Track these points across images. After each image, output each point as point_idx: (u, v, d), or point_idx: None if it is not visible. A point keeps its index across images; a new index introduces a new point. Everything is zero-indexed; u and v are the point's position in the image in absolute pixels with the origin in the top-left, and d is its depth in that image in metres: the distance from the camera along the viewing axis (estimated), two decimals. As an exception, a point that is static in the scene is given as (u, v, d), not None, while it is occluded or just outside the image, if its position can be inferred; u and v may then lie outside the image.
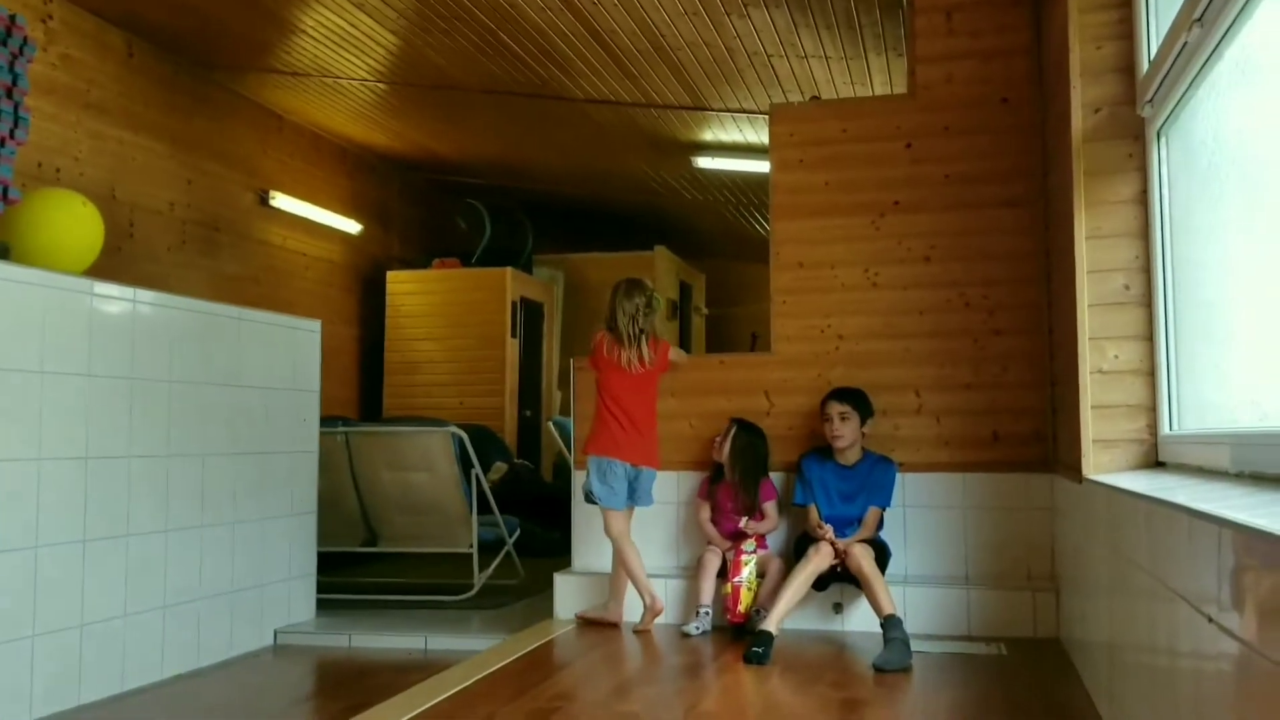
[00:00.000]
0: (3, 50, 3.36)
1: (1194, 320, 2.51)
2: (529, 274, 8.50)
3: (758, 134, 6.48)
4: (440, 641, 4.04)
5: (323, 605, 4.52)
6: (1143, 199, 2.81)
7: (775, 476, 4.01)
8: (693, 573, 3.94)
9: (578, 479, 4.16)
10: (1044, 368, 3.89)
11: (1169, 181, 2.67)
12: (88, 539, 3.27)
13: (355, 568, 5.52)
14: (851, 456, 3.83)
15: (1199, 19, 2.02)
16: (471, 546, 4.94)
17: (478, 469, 4.95)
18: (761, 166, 6.06)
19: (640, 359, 3.88)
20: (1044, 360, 3.89)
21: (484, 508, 5.01)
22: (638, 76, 5.57)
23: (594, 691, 3.09)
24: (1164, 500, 1.78)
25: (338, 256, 7.46)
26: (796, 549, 3.76)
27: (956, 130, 4.03)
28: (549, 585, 4.22)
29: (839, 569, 3.57)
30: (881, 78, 5.46)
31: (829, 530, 3.60)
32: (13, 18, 3.40)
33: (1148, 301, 2.81)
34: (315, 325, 4.53)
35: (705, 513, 4.02)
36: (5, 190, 3.32)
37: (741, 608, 3.69)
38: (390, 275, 7.89)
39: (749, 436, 3.96)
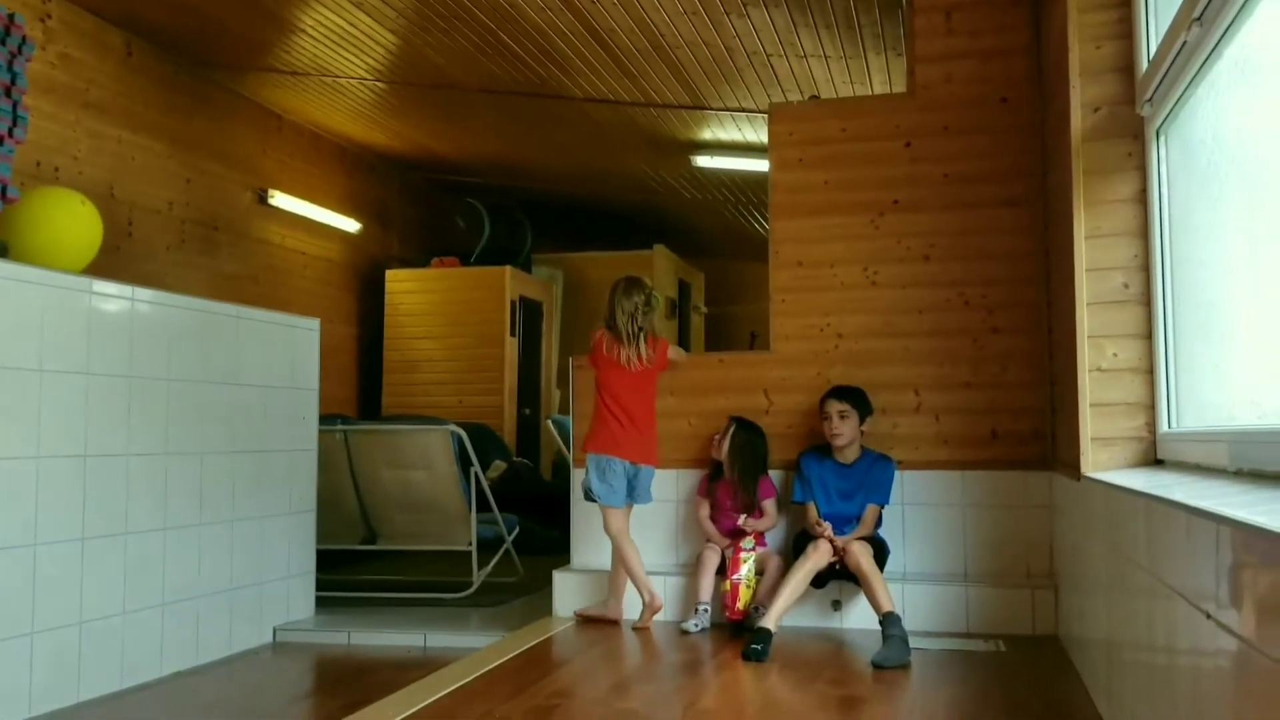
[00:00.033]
0: (1, 49, 3.35)
1: (1193, 319, 2.52)
2: (528, 273, 8.51)
3: (757, 133, 6.48)
4: (439, 639, 4.05)
5: (322, 603, 4.52)
6: (1142, 198, 2.81)
7: (774, 474, 4.02)
8: (692, 570, 3.95)
9: (577, 477, 4.17)
10: (1043, 366, 3.89)
11: (1168, 180, 2.68)
12: (86, 537, 3.27)
13: (354, 566, 5.53)
14: (850, 455, 3.84)
15: (1198, 18, 2.03)
16: (470, 544, 4.94)
17: (477, 467, 4.96)
18: (761, 165, 6.07)
19: (639, 357, 3.89)
20: (1043, 359, 3.89)
21: (483, 506, 5.02)
22: (637, 76, 5.57)
23: (593, 689, 3.10)
24: (1162, 498, 1.78)
25: (337, 255, 7.46)
26: (795, 547, 3.76)
27: (956, 130, 4.03)
28: (548, 583, 4.23)
29: (838, 566, 3.58)
30: (881, 77, 5.46)
31: (828, 528, 3.61)
32: (11, 16, 3.39)
33: (1147, 300, 2.81)
34: (314, 324, 4.53)
35: (704, 510, 4.02)
36: (4, 189, 3.32)
37: (740, 605, 3.70)
38: (389, 274, 7.89)
39: (748, 434, 3.97)
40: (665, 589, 3.96)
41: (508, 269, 7.89)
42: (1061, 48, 3.08)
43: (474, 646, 3.74)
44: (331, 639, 4.16)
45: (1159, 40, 2.54)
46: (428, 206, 8.58)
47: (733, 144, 6.89)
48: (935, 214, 4.03)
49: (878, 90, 5.58)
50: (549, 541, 5.67)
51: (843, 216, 4.13)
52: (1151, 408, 2.80)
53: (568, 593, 4.14)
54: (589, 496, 3.90)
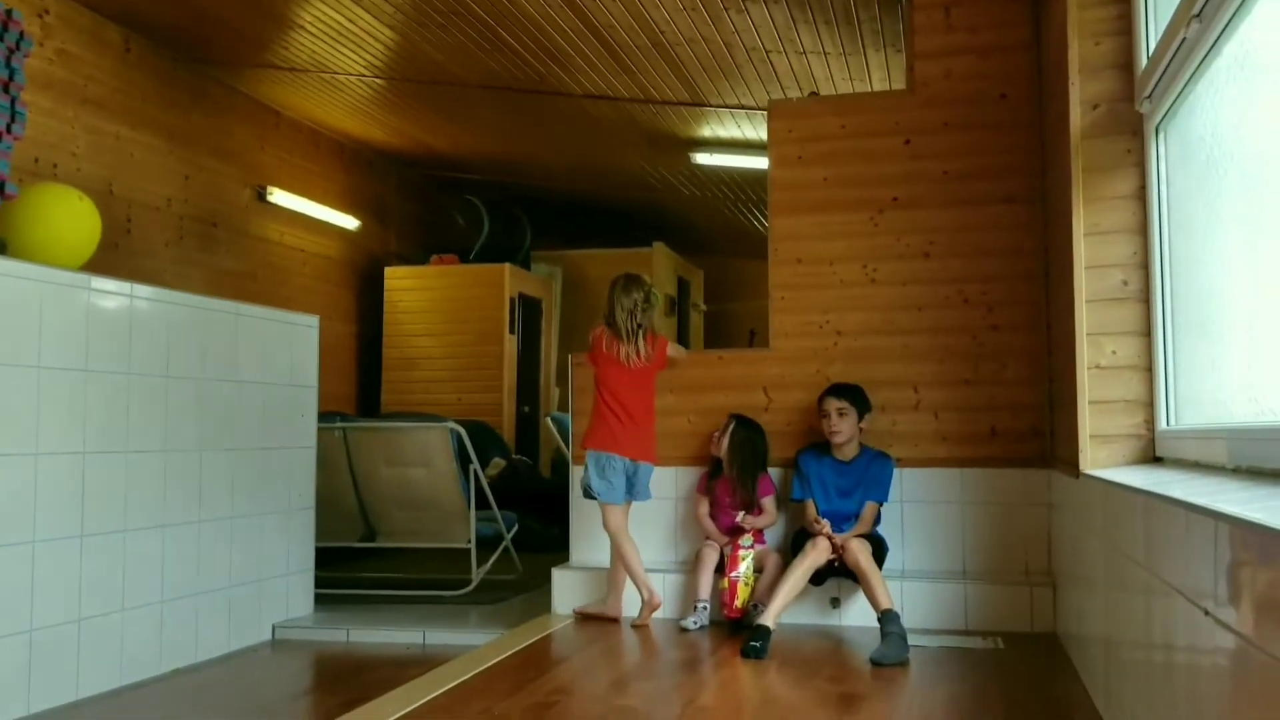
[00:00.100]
0: None
1: (1192, 316, 2.52)
2: (527, 270, 8.50)
3: (756, 130, 6.47)
4: (438, 636, 4.05)
5: (321, 600, 4.52)
6: (1141, 195, 2.81)
7: (773, 472, 4.02)
8: (691, 568, 3.95)
9: (576, 474, 4.17)
10: (1042, 364, 3.89)
11: (1167, 177, 2.67)
12: (85, 534, 3.27)
13: (353, 563, 5.53)
14: (849, 452, 3.84)
15: (1198, 15, 2.02)
16: (470, 542, 4.94)
17: (476, 465, 4.95)
18: (760, 163, 6.06)
19: (638, 354, 3.89)
20: (1042, 356, 3.89)
21: (482, 503, 5.02)
22: (636, 72, 5.56)
23: (592, 686, 3.10)
24: (1161, 495, 1.78)
25: (335, 252, 7.45)
26: (794, 544, 3.76)
27: (955, 126, 4.03)
28: (547, 580, 4.23)
29: (836, 564, 3.58)
30: (880, 74, 5.45)
31: (826, 525, 3.61)
32: (9, 12, 3.39)
33: (1146, 297, 2.81)
34: (313, 321, 4.53)
35: (704, 508, 4.02)
36: (3, 185, 3.31)
37: (738, 603, 3.70)
38: (388, 271, 7.88)
39: (747, 432, 3.97)
40: (664, 586, 3.96)
41: (507, 266, 7.89)
42: (1061, 44, 3.08)
43: (473, 644, 3.74)
44: (330, 636, 4.16)
45: (1158, 37, 2.53)
46: (426, 203, 8.57)
47: (732, 141, 6.88)
48: (934, 211, 4.03)
49: (877, 87, 5.57)
50: (548, 539, 5.68)
51: (842, 213, 4.13)
52: (1150, 405, 2.80)
53: (567, 590, 4.14)
54: (588, 494, 3.90)
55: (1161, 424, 2.73)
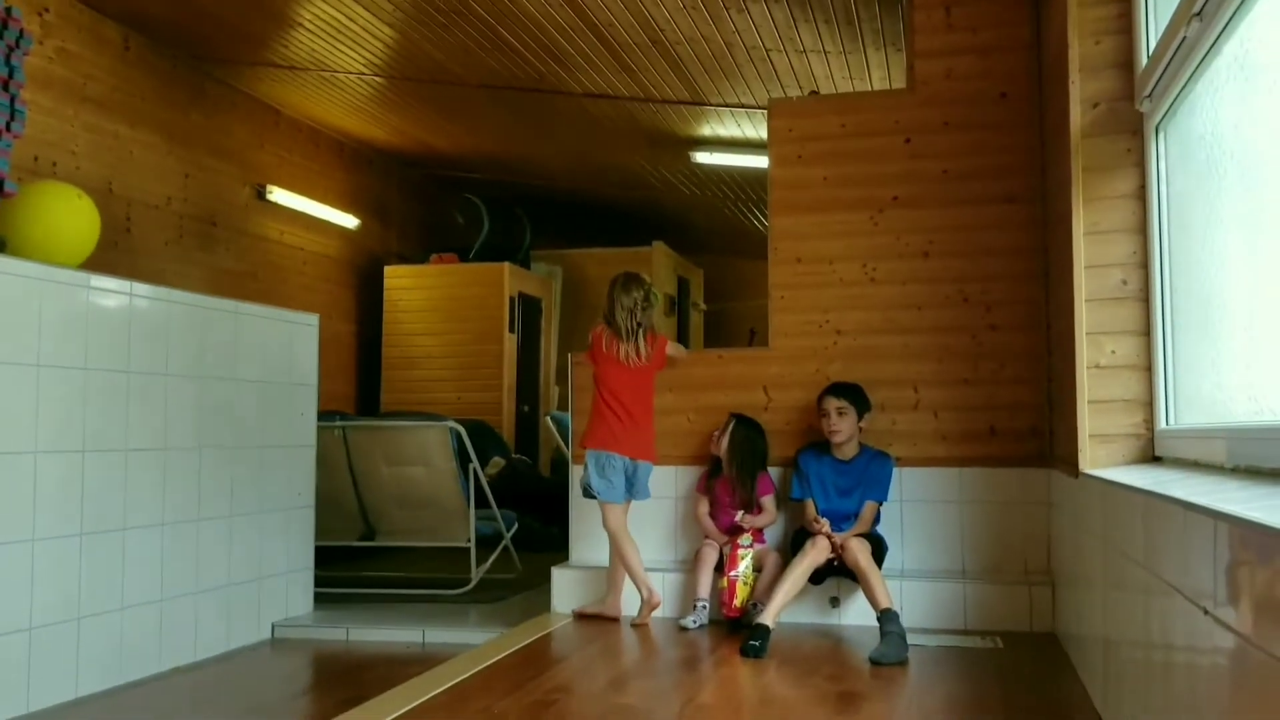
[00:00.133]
0: (-1, 43, 3.35)
1: (1191, 315, 2.52)
2: (527, 269, 8.50)
3: (756, 129, 6.47)
4: (438, 635, 4.05)
5: (320, 599, 4.53)
6: (1141, 194, 2.81)
7: (773, 471, 4.02)
8: (690, 567, 3.95)
9: (576, 473, 4.17)
10: (1042, 363, 3.89)
11: (1167, 177, 2.67)
12: (84, 532, 3.27)
13: (353, 562, 5.53)
14: (849, 451, 3.84)
15: (1198, 14, 2.02)
16: (469, 541, 4.94)
17: (475, 464, 4.96)
18: (760, 162, 6.06)
19: (638, 353, 3.89)
20: (1042, 356, 3.89)
21: (482, 502, 5.02)
22: (636, 71, 5.56)
23: (591, 684, 3.10)
24: (1160, 494, 1.78)
25: (335, 251, 7.45)
26: (794, 543, 3.76)
27: (955, 125, 4.03)
28: (546, 579, 4.23)
29: (836, 563, 3.58)
30: (880, 73, 5.45)
31: (826, 524, 3.61)
32: (9, 10, 3.39)
33: (1145, 297, 2.81)
34: (313, 319, 4.53)
35: (703, 507, 4.02)
36: (2, 183, 3.31)
37: (737, 602, 3.69)
38: (388, 270, 7.88)
39: (747, 431, 3.96)
40: (664, 585, 3.96)
41: (506, 265, 7.89)
42: (1061, 43, 3.08)
43: (472, 643, 3.74)
44: (330, 635, 4.16)
45: (1159, 36, 2.53)
46: (426, 202, 8.57)
47: (732, 140, 6.88)
48: (934, 210, 4.03)
49: (877, 86, 5.57)
50: (548, 538, 5.68)
51: (842, 213, 4.13)
52: (1149, 404, 2.80)
53: (566, 589, 4.14)
54: (588, 493, 3.90)
55: (1161, 423, 2.73)
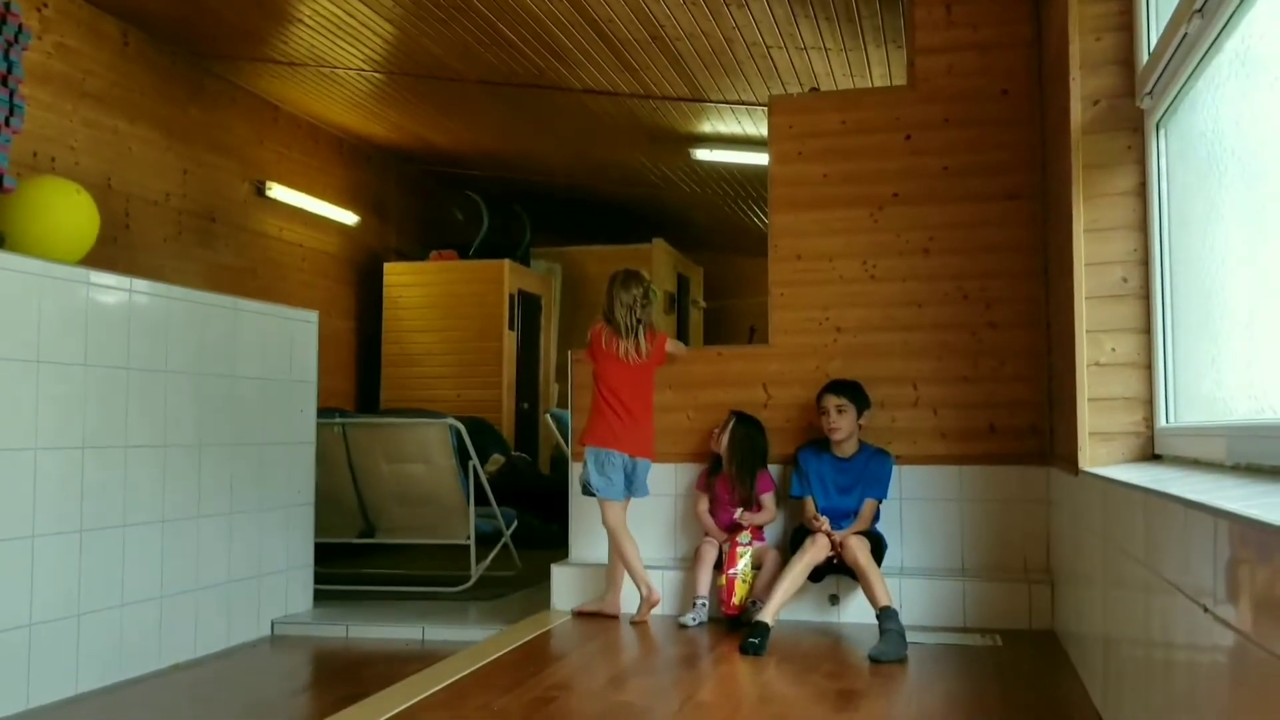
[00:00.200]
0: (-2, 38, 3.34)
1: (1191, 313, 2.51)
2: (526, 266, 8.49)
3: (756, 126, 6.46)
4: (437, 632, 4.05)
5: (320, 596, 4.53)
6: (1141, 191, 2.80)
7: (773, 469, 4.02)
8: (690, 564, 3.95)
9: (575, 471, 4.16)
10: (1041, 361, 3.89)
11: (1168, 174, 2.67)
12: (84, 529, 3.27)
13: (352, 559, 5.53)
14: (848, 449, 3.84)
15: (1199, 10, 2.02)
16: (469, 538, 4.94)
17: (475, 461, 4.95)
18: (760, 158, 6.05)
19: (637, 350, 3.89)
20: (1041, 353, 3.89)
21: (481, 499, 5.02)
22: (636, 68, 5.55)
23: (591, 682, 3.10)
24: (1160, 492, 1.78)
25: (334, 248, 7.44)
26: (793, 541, 3.76)
27: (956, 122, 4.02)
28: (546, 577, 4.23)
29: (835, 561, 3.58)
30: (881, 69, 5.44)
31: (825, 522, 3.60)
32: (7, 5, 3.38)
33: (1145, 294, 2.80)
34: (312, 316, 4.52)
35: (703, 504, 4.02)
36: (1, 179, 3.30)
37: (736, 600, 3.69)
38: (387, 267, 7.88)
39: (747, 429, 3.96)
40: (663, 583, 3.96)
41: (506, 262, 7.88)
42: (1062, 40, 3.07)
43: (472, 640, 3.74)
44: (330, 632, 4.16)
45: (1159, 33, 2.53)
46: (426, 199, 8.56)
47: (732, 137, 6.87)
48: (935, 207, 4.02)
49: (878, 83, 5.56)
50: (547, 535, 5.68)
51: (842, 210, 4.12)
52: (1149, 403, 2.80)
53: (566, 586, 4.14)
54: (587, 490, 3.90)
55: (1161, 421, 2.73)
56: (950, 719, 2.63)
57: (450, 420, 4.99)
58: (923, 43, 4.08)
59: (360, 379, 7.75)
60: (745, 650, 3.28)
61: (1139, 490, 1.97)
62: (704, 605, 3.80)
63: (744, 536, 3.80)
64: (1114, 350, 2.84)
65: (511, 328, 7.90)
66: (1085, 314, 2.89)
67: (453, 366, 7.75)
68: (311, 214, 7.06)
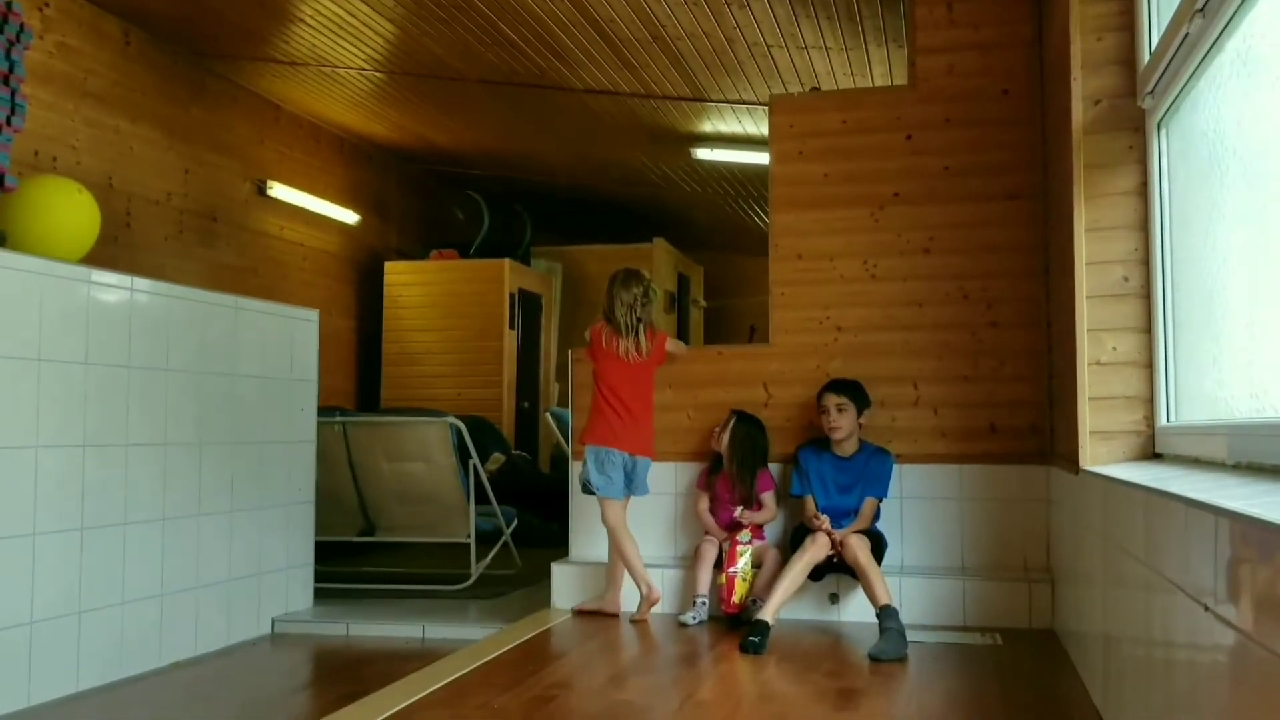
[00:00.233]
0: (-1, 37, 3.34)
1: (1193, 312, 2.51)
2: (527, 265, 8.49)
3: (757, 125, 6.46)
4: (438, 631, 4.05)
5: (320, 594, 4.53)
6: (1142, 191, 2.80)
7: (773, 468, 4.02)
8: (690, 563, 3.95)
9: (575, 470, 4.17)
10: (1042, 360, 3.89)
11: (1169, 173, 2.67)
12: (85, 527, 3.27)
13: (353, 557, 5.53)
14: (848, 448, 3.84)
15: (1200, 10, 2.02)
16: (469, 537, 4.94)
17: (475, 460, 4.96)
18: (761, 158, 6.06)
19: (638, 349, 3.89)
20: (1042, 353, 3.89)
21: (481, 498, 5.02)
22: (637, 67, 5.55)
23: (590, 680, 3.10)
24: (1160, 490, 1.78)
25: (335, 247, 7.44)
26: (793, 540, 3.77)
27: (957, 122, 4.03)
28: (546, 575, 4.23)
29: (835, 559, 3.58)
30: (882, 69, 5.44)
31: (826, 521, 3.61)
32: (9, 4, 3.38)
33: (1147, 293, 2.81)
34: (313, 315, 4.53)
35: (703, 503, 4.02)
36: (2, 178, 3.30)
37: (736, 598, 3.70)
38: (388, 266, 7.88)
39: (748, 428, 3.96)
40: (663, 581, 3.96)
41: (507, 262, 7.88)
42: (1063, 40, 3.07)
43: (472, 638, 3.75)
44: (330, 630, 4.16)
45: (1161, 32, 2.53)
46: (426, 198, 8.56)
47: (733, 136, 6.87)
48: (935, 207, 4.02)
49: (879, 82, 5.56)
50: (547, 534, 5.68)
51: (843, 209, 4.12)
52: (1150, 401, 2.80)
53: (566, 585, 4.14)
54: (587, 489, 3.90)
55: (1162, 420, 2.73)
56: (950, 718, 2.64)
57: (450, 419, 4.99)
58: (924, 42, 4.08)
59: (361, 378, 7.75)
60: (745, 649, 3.28)
61: (1140, 489, 1.98)
62: (704, 604, 3.80)
63: (744, 535, 3.80)
64: (1115, 349, 2.85)
65: (512, 327, 7.90)
66: (1086, 313, 2.89)
67: (453, 365, 7.76)
68: (312, 213, 7.06)
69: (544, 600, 4.20)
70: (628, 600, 3.95)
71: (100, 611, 3.33)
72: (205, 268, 5.95)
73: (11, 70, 3.37)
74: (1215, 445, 2.09)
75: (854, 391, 3.82)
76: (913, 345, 4.01)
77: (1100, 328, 2.87)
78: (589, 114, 6.48)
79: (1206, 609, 1.41)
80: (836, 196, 4.13)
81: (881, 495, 3.80)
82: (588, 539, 4.22)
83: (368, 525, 5.29)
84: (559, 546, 4.47)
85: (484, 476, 5.05)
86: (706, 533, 3.96)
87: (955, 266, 3.99)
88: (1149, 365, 2.80)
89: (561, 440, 6.76)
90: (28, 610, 3.06)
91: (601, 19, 4.90)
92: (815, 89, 5.63)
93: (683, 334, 9.32)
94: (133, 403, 3.48)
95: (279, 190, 6.64)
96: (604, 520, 3.90)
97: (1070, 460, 3.04)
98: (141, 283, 3.58)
